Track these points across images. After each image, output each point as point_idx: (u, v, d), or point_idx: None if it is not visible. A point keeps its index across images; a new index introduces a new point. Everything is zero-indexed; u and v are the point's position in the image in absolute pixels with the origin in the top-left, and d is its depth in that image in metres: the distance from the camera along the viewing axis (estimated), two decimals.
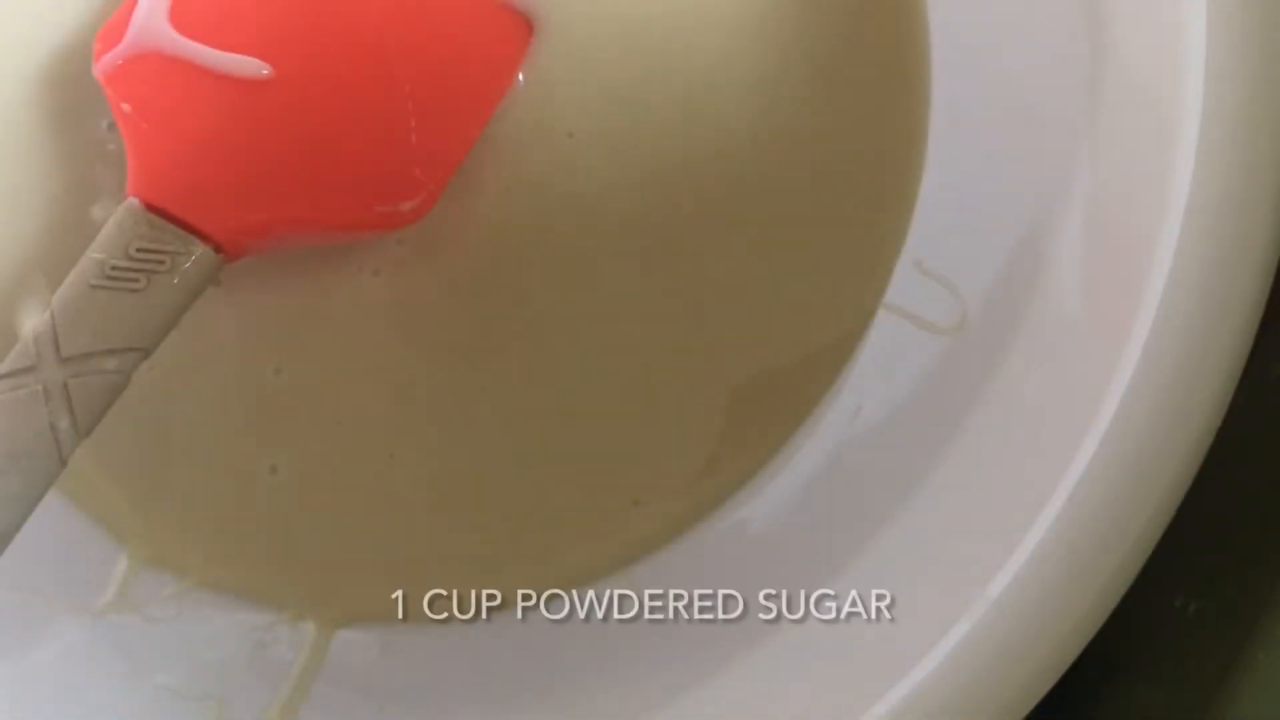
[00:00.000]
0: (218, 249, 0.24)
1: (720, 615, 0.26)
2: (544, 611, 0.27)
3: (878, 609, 0.25)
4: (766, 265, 0.27)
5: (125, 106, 0.25)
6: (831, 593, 0.25)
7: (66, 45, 0.27)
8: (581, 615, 0.27)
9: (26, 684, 0.26)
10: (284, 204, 0.25)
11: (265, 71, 0.25)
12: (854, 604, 0.25)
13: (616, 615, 0.27)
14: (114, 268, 0.23)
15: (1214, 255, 0.23)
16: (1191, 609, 0.26)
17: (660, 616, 0.27)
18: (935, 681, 0.23)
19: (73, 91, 0.27)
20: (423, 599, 0.27)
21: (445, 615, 0.27)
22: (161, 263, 0.23)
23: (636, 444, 0.27)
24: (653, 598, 0.27)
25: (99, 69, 0.25)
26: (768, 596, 0.26)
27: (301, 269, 0.27)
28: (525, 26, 0.27)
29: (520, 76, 0.27)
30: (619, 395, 0.27)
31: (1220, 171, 0.23)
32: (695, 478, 0.27)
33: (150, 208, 0.24)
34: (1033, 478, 0.24)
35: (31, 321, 0.23)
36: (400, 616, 0.27)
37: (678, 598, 0.27)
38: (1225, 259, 0.23)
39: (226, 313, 0.27)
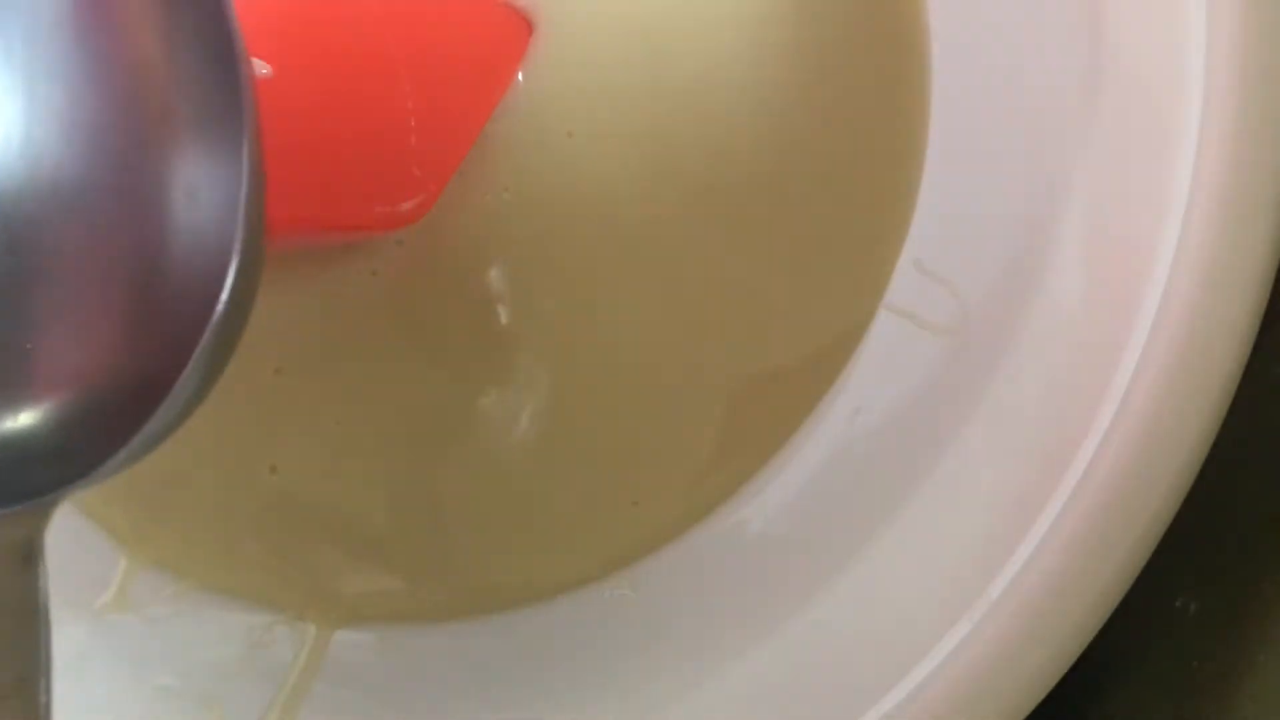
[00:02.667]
0: None
1: (721, 615, 0.26)
2: (544, 611, 0.27)
3: (878, 608, 0.25)
4: (766, 265, 0.27)
5: None
6: (832, 593, 0.25)
7: None
8: (582, 615, 0.27)
9: None
10: (283, 204, 0.25)
11: (264, 71, 0.25)
12: (854, 604, 0.25)
13: (616, 615, 0.27)
14: None
15: (1214, 255, 0.23)
16: (1192, 609, 0.26)
17: (660, 617, 0.27)
18: (935, 681, 0.23)
19: None
20: (422, 599, 0.27)
21: (444, 615, 0.27)
22: None
23: (636, 444, 0.27)
24: (653, 598, 0.27)
25: None
26: (768, 597, 0.26)
27: (301, 269, 0.27)
28: (525, 26, 0.27)
29: (520, 76, 0.27)
30: (618, 395, 0.27)
31: (1220, 171, 0.23)
32: (695, 478, 0.27)
33: None
34: (1033, 477, 0.24)
35: None
36: (400, 616, 0.27)
37: (678, 598, 0.27)
38: (1225, 259, 0.23)
39: None
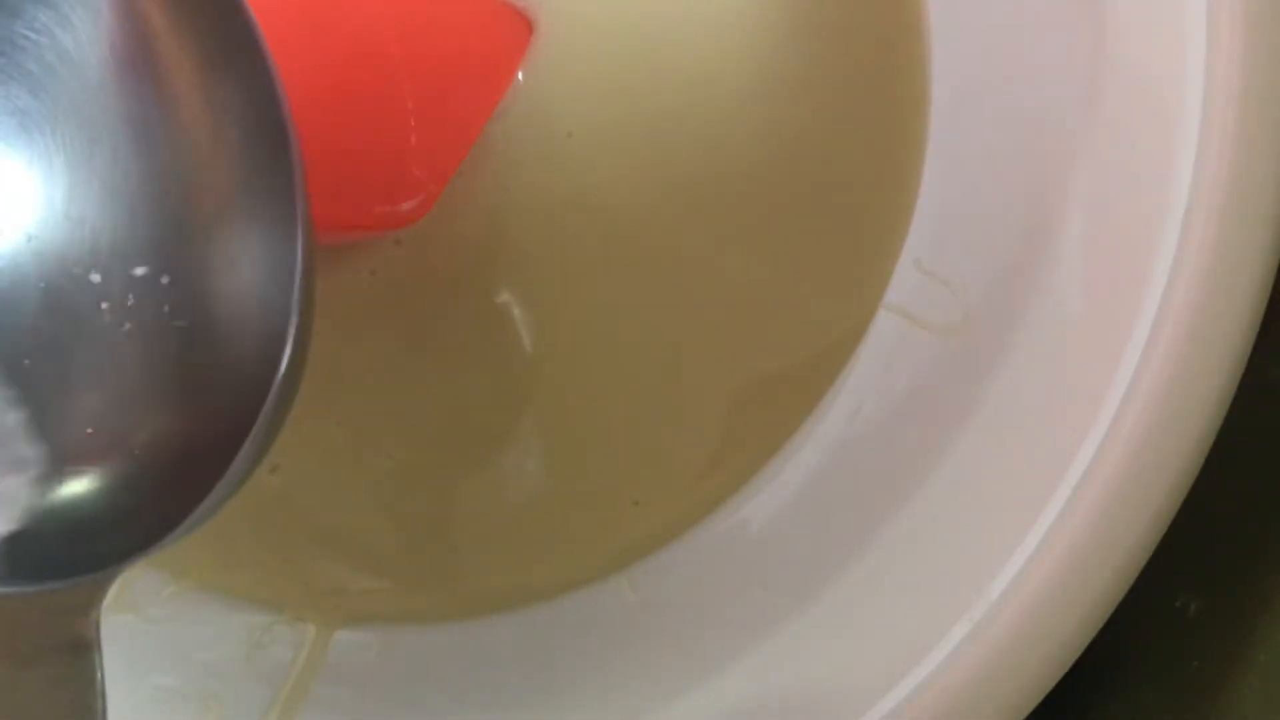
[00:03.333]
0: None
1: (721, 615, 0.26)
2: (544, 611, 0.27)
3: (878, 608, 0.25)
4: (766, 265, 0.27)
5: None
6: (831, 593, 0.25)
7: None
8: (582, 615, 0.27)
9: None
10: None
11: None
12: (854, 604, 0.25)
13: (617, 615, 0.27)
14: None
15: (1214, 255, 0.23)
16: (1192, 609, 0.26)
17: (660, 616, 0.27)
18: (935, 681, 0.23)
19: None
20: (422, 599, 0.27)
21: (445, 616, 0.27)
22: None
23: (636, 444, 0.27)
24: (653, 598, 0.27)
25: None
26: (768, 597, 0.26)
27: None
28: (525, 26, 0.27)
29: (520, 76, 0.27)
30: (619, 395, 0.27)
31: (1220, 172, 0.23)
32: (695, 478, 0.27)
33: None
34: (1033, 478, 0.24)
35: None
36: (400, 617, 0.27)
37: (678, 598, 0.27)
38: (1225, 259, 0.23)
39: None
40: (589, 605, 0.27)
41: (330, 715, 0.27)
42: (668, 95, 0.27)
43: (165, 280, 0.20)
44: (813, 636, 0.25)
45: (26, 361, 0.20)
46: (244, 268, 0.20)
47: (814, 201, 0.27)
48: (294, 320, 0.19)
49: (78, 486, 0.20)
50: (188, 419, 0.20)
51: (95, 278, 0.21)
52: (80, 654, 0.19)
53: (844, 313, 0.27)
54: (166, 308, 0.20)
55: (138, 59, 0.20)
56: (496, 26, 0.27)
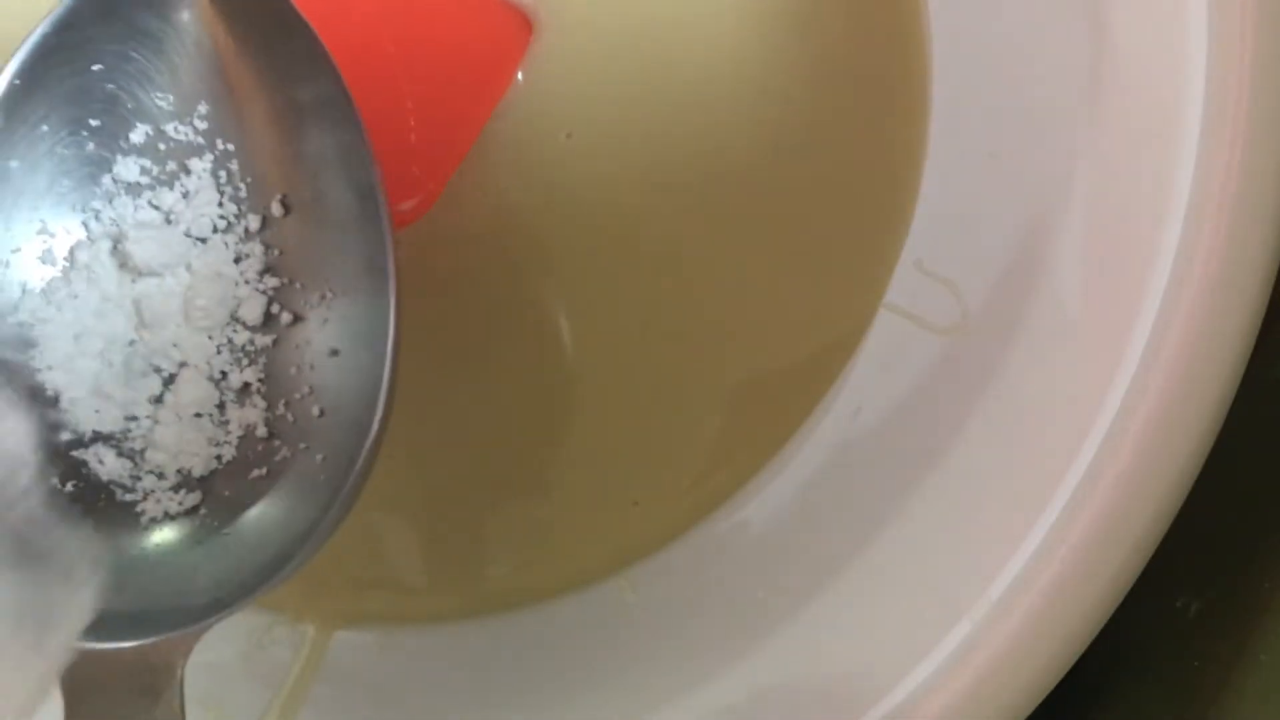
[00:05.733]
0: None
1: (721, 615, 0.26)
2: (544, 611, 0.27)
3: (878, 609, 0.25)
4: (766, 265, 0.27)
5: None
6: (832, 593, 0.25)
7: None
8: (582, 615, 0.27)
9: None
10: None
11: None
12: (853, 605, 0.25)
13: (616, 615, 0.27)
14: None
15: (1215, 256, 0.23)
16: (1192, 609, 0.26)
17: (660, 617, 0.27)
18: (936, 682, 0.23)
19: None
20: (422, 599, 0.27)
21: (444, 616, 0.27)
22: None
23: (636, 444, 0.27)
24: (653, 598, 0.27)
25: None
26: (767, 597, 0.26)
27: None
28: (525, 25, 0.27)
29: (520, 76, 0.27)
30: (618, 396, 0.27)
31: (1221, 172, 0.23)
32: (695, 478, 0.27)
33: None
34: (1033, 478, 0.24)
35: None
36: (400, 617, 0.27)
37: (678, 598, 0.27)
38: (1226, 259, 0.23)
39: None
40: (589, 605, 0.27)
41: (330, 715, 0.27)
42: (667, 95, 0.27)
43: (243, 339, 0.22)
44: (813, 637, 0.25)
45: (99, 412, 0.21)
46: (328, 324, 0.22)
47: (814, 201, 0.27)
48: (385, 382, 0.21)
49: (166, 546, 0.21)
50: (273, 484, 0.21)
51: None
52: (164, 703, 0.20)
53: (844, 313, 0.27)
54: (246, 366, 0.22)
55: (219, 118, 0.21)
56: (496, 26, 0.27)
